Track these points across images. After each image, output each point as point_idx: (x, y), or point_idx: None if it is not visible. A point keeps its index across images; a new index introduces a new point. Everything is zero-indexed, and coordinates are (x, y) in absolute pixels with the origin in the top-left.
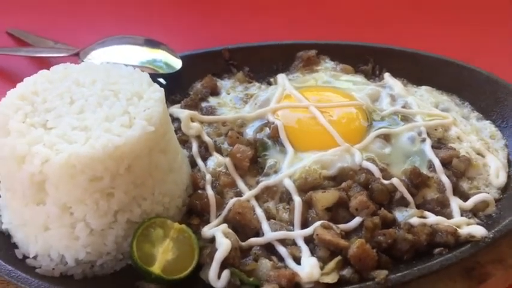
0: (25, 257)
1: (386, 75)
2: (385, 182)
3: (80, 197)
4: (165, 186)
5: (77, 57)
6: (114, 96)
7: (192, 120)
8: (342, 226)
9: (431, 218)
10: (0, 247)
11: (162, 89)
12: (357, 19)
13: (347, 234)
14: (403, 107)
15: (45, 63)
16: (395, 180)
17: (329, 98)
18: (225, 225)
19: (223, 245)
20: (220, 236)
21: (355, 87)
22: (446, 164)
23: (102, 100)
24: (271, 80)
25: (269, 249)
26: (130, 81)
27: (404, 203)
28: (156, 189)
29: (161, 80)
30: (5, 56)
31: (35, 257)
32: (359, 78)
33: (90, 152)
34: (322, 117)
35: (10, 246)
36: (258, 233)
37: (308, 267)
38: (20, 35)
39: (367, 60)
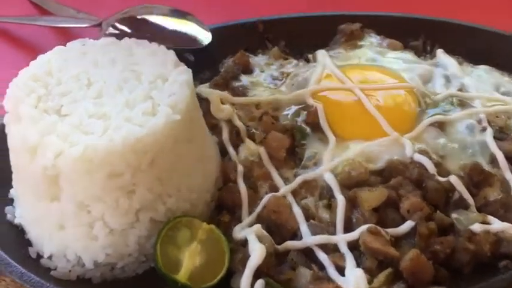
0: (39, 255)
1: (439, 52)
2: (441, 179)
3: (97, 194)
4: (192, 181)
5: (99, 28)
6: (135, 79)
7: (223, 101)
8: (391, 231)
9: (496, 224)
10: (13, 244)
11: (190, 70)
12: None
13: (397, 240)
14: (459, 89)
15: (66, 34)
16: (453, 178)
17: (375, 79)
18: (258, 226)
19: (258, 250)
20: (254, 240)
21: (404, 65)
22: (510, 158)
23: (122, 83)
24: (310, 56)
25: (308, 255)
26: (154, 61)
27: (463, 205)
28: (182, 184)
29: (188, 56)
30: (24, 25)
31: (50, 257)
32: (409, 56)
33: (108, 145)
34: (367, 101)
35: (23, 243)
36: (295, 234)
37: (354, 280)
38: (40, 2)
39: (417, 35)
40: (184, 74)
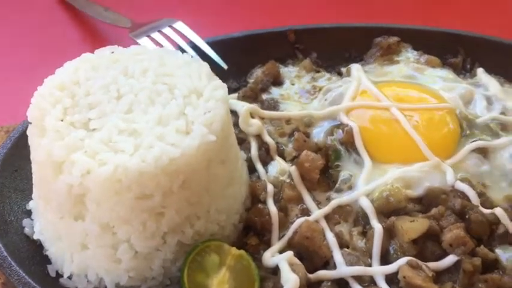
0: (58, 274)
1: (480, 72)
2: (485, 211)
3: (124, 216)
4: (222, 202)
5: (127, 30)
6: (168, 92)
7: (252, 115)
8: (432, 265)
9: None
10: (31, 261)
11: (225, 86)
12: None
13: (437, 275)
14: (502, 113)
15: (92, 33)
16: (498, 211)
17: (413, 98)
18: (291, 254)
19: (291, 282)
20: (287, 270)
21: (443, 84)
22: None
23: (154, 96)
24: (343, 69)
25: (341, 285)
26: (187, 72)
27: (508, 240)
28: (212, 206)
29: (222, 64)
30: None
31: (70, 277)
32: (448, 74)
33: (139, 165)
34: (406, 122)
35: (42, 260)
36: (328, 262)
37: None
38: None
39: (456, 52)
40: (219, 89)
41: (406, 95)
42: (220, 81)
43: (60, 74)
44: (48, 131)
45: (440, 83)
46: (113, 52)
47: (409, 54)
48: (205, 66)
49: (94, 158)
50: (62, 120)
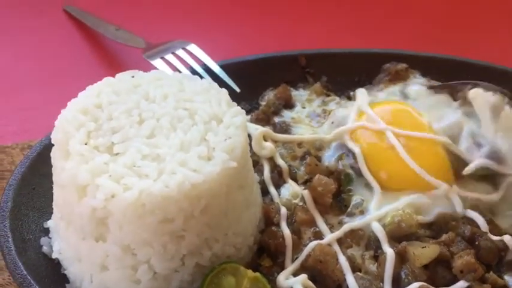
0: None
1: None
2: (495, 238)
3: (146, 239)
4: (239, 226)
5: (139, 49)
6: (189, 117)
7: (265, 138)
8: None
9: None
10: (50, 279)
11: (243, 112)
12: (454, 26)
13: None
14: (491, 153)
15: (105, 53)
16: (507, 238)
17: (410, 123)
18: (305, 277)
19: None
20: None
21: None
22: None
23: (175, 122)
24: (352, 93)
25: None
26: (207, 98)
27: None
28: (230, 229)
29: (234, 87)
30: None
31: None
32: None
33: (163, 190)
34: (403, 151)
35: (60, 279)
36: (341, 285)
37: None
38: (77, 14)
39: (463, 79)
40: (239, 115)
41: (403, 120)
42: (239, 107)
43: (83, 98)
44: (72, 154)
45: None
46: (133, 76)
47: (417, 80)
48: (224, 92)
49: (119, 182)
50: (86, 144)
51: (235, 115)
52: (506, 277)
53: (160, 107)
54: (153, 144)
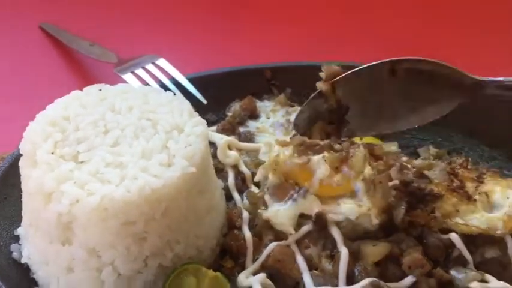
0: None
1: None
2: (442, 236)
3: (109, 241)
4: (200, 229)
5: (112, 64)
6: (152, 127)
7: (230, 147)
8: (393, 286)
9: (494, 283)
10: (20, 283)
11: (204, 122)
12: (407, 41)
13: None
14: None
15: (79, 68)
16: (453, 236)
17: None
18: (263, 276)
19: None
20: None
21: None
22: None
23: (139, 131)
24: None
25: None
26: (170, 110)
27: (462, 262)
28: (191, 232)
29: (201, 99)
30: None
31: None
32: None
33: (125, 195)
34: None
35: (29, 283)
36: (298, 283)
37: None
38: (53, 31)
39: None
40: (200, 125)
41: None
42: (200, 118)
43: (51, 111)
44: (39, 163)
45: None
46: (100, 90)
47: None
48: (187, 103)
49: (83, 188)
50: (52, 153)
51: (196, 125)
52: (452, 272)
53: (125, 118)
54: (117, 152)
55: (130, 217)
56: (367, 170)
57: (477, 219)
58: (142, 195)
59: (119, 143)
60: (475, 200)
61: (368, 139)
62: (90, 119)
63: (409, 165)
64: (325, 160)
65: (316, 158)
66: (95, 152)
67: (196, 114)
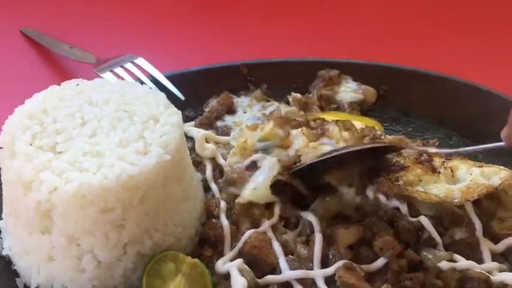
0: (26, 287)
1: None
2: (412, 219)
3: (88, 228)
4: (178, 216)
5: (92, 65)
6: (128, 118)
7: (207, 140)
8: (365, 267)
9: (462, 262)
10: (1, 274)
11: (179, 112)
12: (382, 36)
13: (370, 276)
14: None
15: (59, 69)
16: (423, 219)
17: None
18: (240, 261)
19: (239, 284)
20: (236, 274)
21: None
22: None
23: (116, 122)
24: (290, 98)
25: None
26: (145, 102)
27: (432, 243)
28: (169, 220)
29: (179, 95)
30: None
31: None
32: None
33: (102, 182)
34: None
35: (11, 274)
36: (275, 268)
37: None
38: (33, 35)
39: (388, 82)
40: (174, 115)
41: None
42: (175, 108)
43: (30, 104)
44: (18, 154)
45: None
46: (78, 84)
47: (349, 85)
48: (162, 95)
49: (61, 176)
50: (31, 145)
51: (171, 115)
52: (423, 252)
53: (102, 110)
54: (94, 142)
55: (108, 204)
56: (345, 135)
57: (437, 189)
58: (119, 182)
59: (96, 134)
60: (439, 172)
61: (340, 115)
62: (68, 111)
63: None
64: (303, 133)
65: (295, 131)
66: (73, 142)
67: (172, 105)
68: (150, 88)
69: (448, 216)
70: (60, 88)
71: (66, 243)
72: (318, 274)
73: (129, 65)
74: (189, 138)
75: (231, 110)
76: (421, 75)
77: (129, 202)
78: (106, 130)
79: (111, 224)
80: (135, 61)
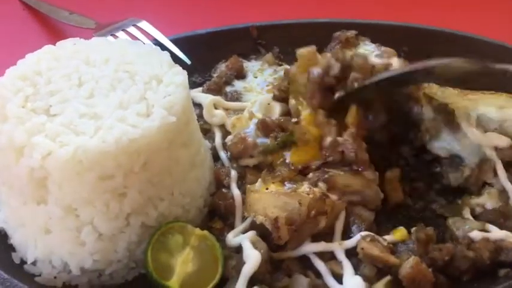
0: (23, 262)
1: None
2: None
3: (87, 197)
4: (185, 185)
5: (92, 31)
6: (129, 79)
7: (216, 106)
8: (389, 238)
9: (495, 233)
10: None
11: (185, 72)
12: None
13: (394, 247)
14: None
15: (58, 35)
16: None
17: None
18: (253, 233)
19: (252, 257)
20: (249, 247)
21: None
22: (509, 167)
23: (115, 83)
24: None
25: (304, 262)
26: (148, 61)
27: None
28: (175, 188)
29: (185, 59)
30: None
31: (34, 263)
32: None
33: (100, 145)
34: None
35: (6, 248)
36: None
37: (352, 287)
38: (31, 2)
39: (409, 43)
40: (179, 75)
41: None
42: (180, 68)
43: (22, 65)
44: (9, 117)
45: None
46: (75, 44)
47: (368, 47)
48: (166, 54)
49: (54, 140)
50: (23, 107)
51: (176, 74)
52: (451, 221)
53: (100, 70)
54: (91, 104)
55: (107, 170)
56: None
57: None
58: (119, 146)
59: (94, 95)
60: None
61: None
62: (64, 72)
63: None
64: None
65: None
66: (68, 104)
67: (177, 65)
68: (152, 46)
69: None
70: (55, 48)
71: (64, 214)
72: (338, 247)
73: (131, 29)
74: (197, 105)
75: (240, 75)
76: (444, 34)
77: (131, 168)
78: (105, 91)
79: (111, 192)
80: (138, 24)
